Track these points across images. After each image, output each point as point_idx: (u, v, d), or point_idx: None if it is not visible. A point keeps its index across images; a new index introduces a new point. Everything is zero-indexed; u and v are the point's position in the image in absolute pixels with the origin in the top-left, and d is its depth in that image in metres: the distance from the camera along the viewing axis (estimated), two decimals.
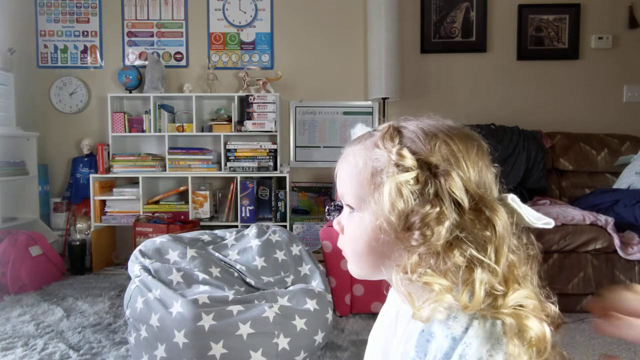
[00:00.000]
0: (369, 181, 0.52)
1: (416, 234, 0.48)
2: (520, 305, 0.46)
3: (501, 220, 0.48)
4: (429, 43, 3.45)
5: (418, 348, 0.49)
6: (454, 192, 0.47)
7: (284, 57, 3.49)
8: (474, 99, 3.45)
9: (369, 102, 3.45)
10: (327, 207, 2.75)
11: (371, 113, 3.47)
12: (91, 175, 3.25)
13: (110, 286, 2.80)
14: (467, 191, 0.48)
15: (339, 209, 2.65)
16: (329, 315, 1.80)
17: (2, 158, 3.06)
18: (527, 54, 3.43)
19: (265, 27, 3.49)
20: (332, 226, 2.37)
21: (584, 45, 3.41)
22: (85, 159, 3.43)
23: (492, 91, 3.45)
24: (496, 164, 0.53)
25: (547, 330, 0.46)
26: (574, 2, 3.39)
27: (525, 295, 0.47)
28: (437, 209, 0.47)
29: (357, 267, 0.57)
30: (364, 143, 0.56)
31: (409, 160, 0.49)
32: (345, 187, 0.57)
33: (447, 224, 0.47)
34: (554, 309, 0.50)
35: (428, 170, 0.49)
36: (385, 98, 3.21)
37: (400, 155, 0.50)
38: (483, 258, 0.46)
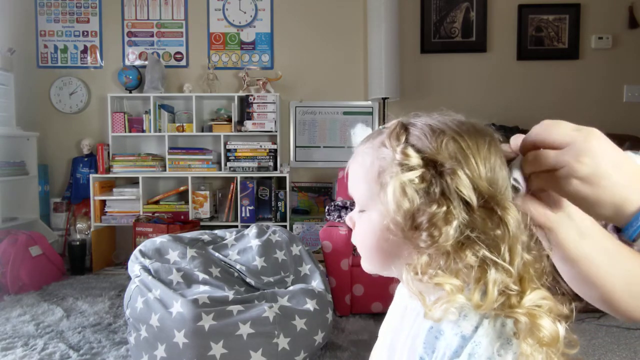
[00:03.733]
0: (376, 180, 0.52)
1: (424, 234, 0.47)
2: (536, 305, 0.46)
3: (513, 218, 0.46)
4: (429, 43, 3.45)
5: (426, 345, 0.49)
6: (461, 191, 0.46)
7: (284, 57, 3.49)
8: (474, 99, 3.45)
9: (369, 102, 3.45)
10: (327, 207, 2.75)
11: (371, 113, 3.47)
12: (91, 175, 3.25)
13: (110, 286, 2.80)
14: (476, 189, 0.47)
15: (339, 209, 2.64)
16: (329, 315, 1.80)
17: (2, 158, 3.06)
18: (527, 54, 3.43)
19: (265, 27, 3.49)
20: (332, 226, 2.38)
21: (584, 45, 3.41)
22: (85, 159, 3.43)
23: (492, 91, 3.45)
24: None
25: (561, 330, 0.46)
26: (574, 2, 3.39)
27: (542, 296, 0.46)
28: (444, 208, 0.46)
29: (368, 263, 0.57)
30: (372, 142, 0.55)
31: (414, 159, 0.48)
32: (354, 186, 0.57)
33: (455, 223, 0.46)
34: (567, 307, 0.49)
35: (434, 169, 0.48)
36: (385, 98, 3.21)
37: (404, 154, 0.49)
38: (496, 259, 0.46)
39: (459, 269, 0.46)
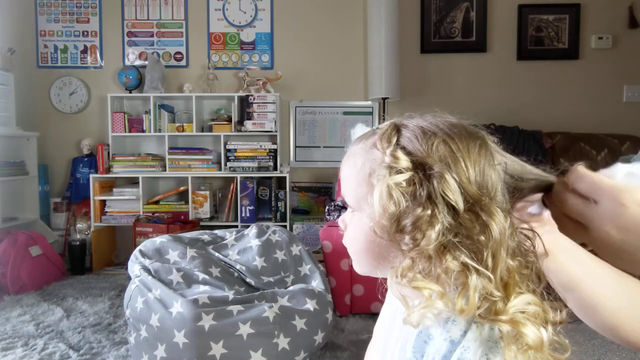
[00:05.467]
0: (367, 182, 0.52)
1: (407, 237, 0.47)
2: (521, 311, 0.45)
3: (498, 224, 0.46)
4: (429, 43, 3.45)
5: (415, 349, 0.49)
6: (447, 195, 0.46)
7: (284, 57, 3.49)
8: (474, 99, 3.45)
9: (369, 102, 3.45)
10: (327, 207, 2.75)
11: (371, 113, 3.47)
12: (91, 175, 3.25)
13: (110, 286, 2.80)
14: (464, 193, 0.46)
15: (339, 209, 2.64)
16: (329, 315, 1.80)
17: (2, 158, 3.06)
18: (527, 54, 3.43)
19: (265, 27, 3.49)
20: (332, 226, 2.38)
21: (584, 45, 3.41)
22: (85, 159, 3.43)
23: (492, 91, 3.45)
24: (502, 163, 0.51)
25: (545, 335, 0.45)
26: (574, 2, 3.38)
27: (527, 301, 0.46)
28: (429, 211, 0.46)
29: (358, 265, 0.57)
30: (364, 143, 0.55)
31: (403, 162, 0.48)
32: (346, 187, 0.56)
33: (438, 227, 0.45)
34: (559, 313, 0.48)
35: (423, 172, 0.47)
36: (385, 98, 3.21)
37: (394, 157, 0.49)
38: (476, 265, 0.45)
39: (439, 273, 0.46)
